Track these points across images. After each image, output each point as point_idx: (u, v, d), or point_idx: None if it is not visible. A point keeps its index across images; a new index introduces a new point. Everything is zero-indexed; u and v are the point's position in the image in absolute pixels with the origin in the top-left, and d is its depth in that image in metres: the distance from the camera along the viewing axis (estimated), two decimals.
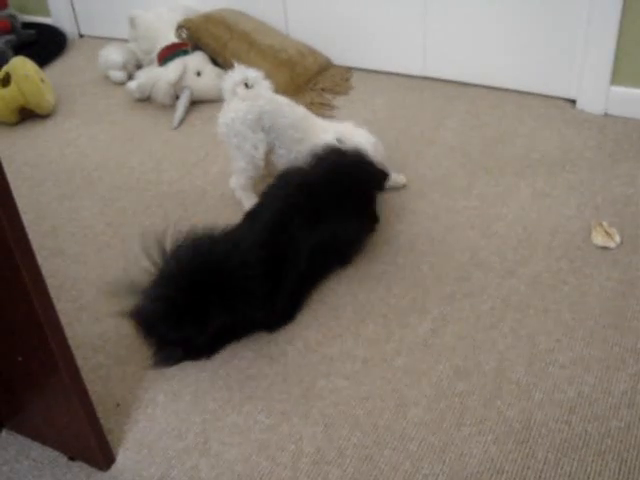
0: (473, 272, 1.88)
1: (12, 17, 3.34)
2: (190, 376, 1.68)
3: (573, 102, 2.53)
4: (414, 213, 2.10)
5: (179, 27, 2.85)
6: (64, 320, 1.34)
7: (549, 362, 1.63)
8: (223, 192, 2.27)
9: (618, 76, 2.40)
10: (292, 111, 2.10)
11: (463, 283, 1.85)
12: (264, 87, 2.08)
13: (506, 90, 2.65)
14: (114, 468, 1.50)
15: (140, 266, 1.75)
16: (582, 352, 1.64)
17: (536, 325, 1.72)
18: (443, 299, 1.81)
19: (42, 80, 2.80)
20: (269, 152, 2.12)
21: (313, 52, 2.90)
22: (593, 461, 1.42)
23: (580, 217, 2.03)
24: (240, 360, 1.71)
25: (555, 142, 2.36)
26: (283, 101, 2.11)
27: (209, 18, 2.86)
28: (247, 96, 2.05)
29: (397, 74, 2.84)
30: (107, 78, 3.05)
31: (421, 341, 1.71)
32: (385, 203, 2.11)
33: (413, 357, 1.67)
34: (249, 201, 2.11)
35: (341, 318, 1.79)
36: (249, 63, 2.72)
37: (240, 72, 2.07)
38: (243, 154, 2.07)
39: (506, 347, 1.67)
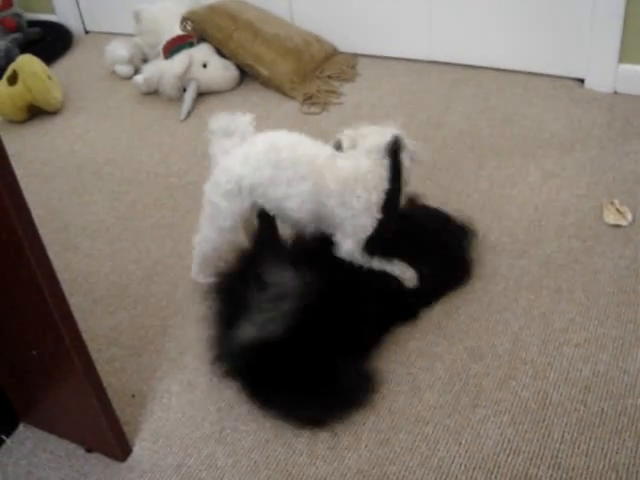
0: (485, 254, 1.88)
1: (17, 16, 3.34)
2: (204, 366, 1.68)
3: (581, 81, 2.51)
4: (424, 197, 2.08)
5: (184, 19, 2.84)
6: (77, 314, 1.34)
7: (563, 342, 1.62)
8: None
9: (626, 54, 2.38)
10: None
11: (475, 265, 1.84)
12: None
13: (513, 71, 2.63)
14: (131, 459, 1.51)
15: None
16: (596, 331, 1.64)
17: (549, 305, 1.71)
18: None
19: (49, 77, 2.81)
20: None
21: (318, 40, 2.89)
22: (610, 439, 1.41)
23: (591, 196, 2.02)
24: None
25: (564, 122, 2.34)
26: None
27: (213, 9, 2.85)
28: None
29: (403, 59, 2.82)
30: (114, 73, 3.05)
31: (434, 324, 1.70)
32: None
33: (426, 340, 1.67)
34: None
35: None
36: (255, 53, 2.74)
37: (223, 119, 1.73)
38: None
39: (520, 328, 1.67)
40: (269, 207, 1.68)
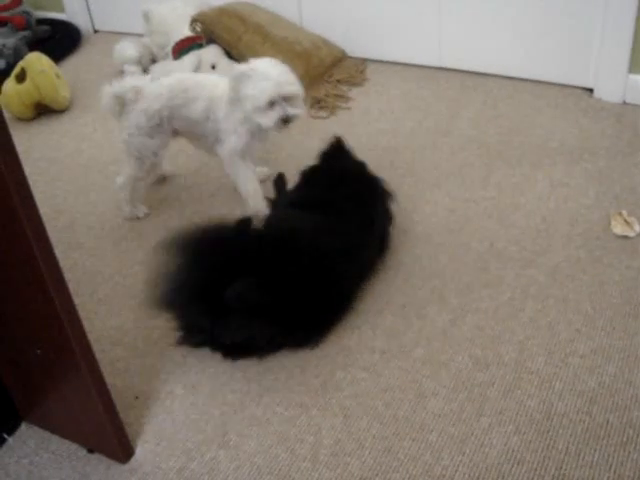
0: (491, 262, 1.87)
1: (27, 13, 3.35)
2: (209, 368, 1.68)
3: (590, 91, 2.50)
4: (431, 204, 2.09)
5: (193, 21, 2.84)
6: (82, 314, 1.34)
7: (569, 352, 1.61)
8: None
9: (636, 64, 2.38)
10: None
11: (481, 273, 1.84)
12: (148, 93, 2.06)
13: (523, 80, 2.63)
14: (133, 460, 1.50)
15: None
16: (602, 342, 1.63)
17: (556, 315, 1.71)
18: (462, 290, 1.80)
19: (57, 75, 2.81)
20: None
21: (327, 44, 2.88)
22: (615, 451, 1.40)
23: (599, 206, 2.01)
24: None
25: (573, 131, 2.33)
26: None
27: (223, 11, 2.85)
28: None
29: (412, 65, 2.82)
30: (122, 73, 3.05)
31: (440, 332, 1.70)
32: (402, 194, 2.09)
33: (432, 348, 1.66)
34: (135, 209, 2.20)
35: (359, 309, 1.79)
36: (264, 55, 2.73)
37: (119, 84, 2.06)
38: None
39: (525, 337, 1.66)
40: (182, 126, 2.08)
